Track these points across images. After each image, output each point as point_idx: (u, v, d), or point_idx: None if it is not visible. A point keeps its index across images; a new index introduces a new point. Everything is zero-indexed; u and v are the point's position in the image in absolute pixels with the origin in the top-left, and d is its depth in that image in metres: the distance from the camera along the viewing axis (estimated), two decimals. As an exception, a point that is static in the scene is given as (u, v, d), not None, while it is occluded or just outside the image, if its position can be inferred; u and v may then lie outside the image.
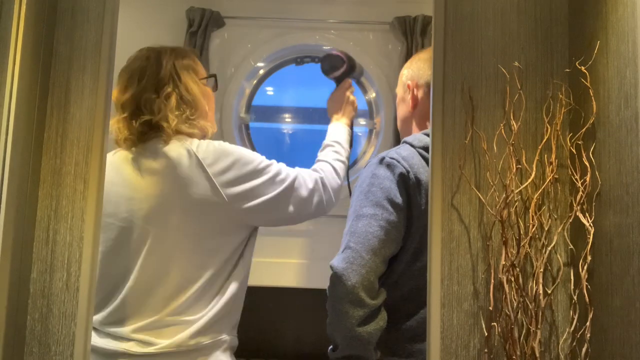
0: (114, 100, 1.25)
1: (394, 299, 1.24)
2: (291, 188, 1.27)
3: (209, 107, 1.33)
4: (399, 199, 1.21)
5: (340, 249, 1.21)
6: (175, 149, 1.21)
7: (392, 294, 1.23)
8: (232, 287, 1.24)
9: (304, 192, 1.29)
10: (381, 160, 1.26)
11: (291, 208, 1.28)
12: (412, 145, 1.30)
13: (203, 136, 1.29)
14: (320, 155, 1.46)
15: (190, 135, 1.26)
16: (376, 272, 1.18)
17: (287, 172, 1.29)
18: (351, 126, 1.56)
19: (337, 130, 1.52)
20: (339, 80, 1.58)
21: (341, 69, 1.56)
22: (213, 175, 1.19)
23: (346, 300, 1.16)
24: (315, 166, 1.41)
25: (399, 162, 1.23)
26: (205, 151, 1.21)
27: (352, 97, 1.58)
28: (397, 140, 2.32)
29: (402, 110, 1.44)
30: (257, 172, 1.24)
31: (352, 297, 1.15)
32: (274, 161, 1.29)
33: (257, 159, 1.25)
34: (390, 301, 1.23)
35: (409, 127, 1.42)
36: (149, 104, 1.22)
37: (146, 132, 1.23)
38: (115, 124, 1.24)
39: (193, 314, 1.20)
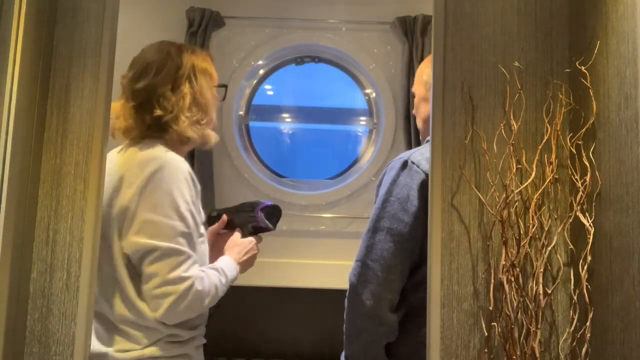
0: (123, 85, 1.22)
1: (417, 304, 1.19)
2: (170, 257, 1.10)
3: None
4: (417, 207, 1.19)
5: (357, 256, 1.20)
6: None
7: (414, 299, 1.21)
8: None
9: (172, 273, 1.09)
10: (403, 165, 1.23)
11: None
12: None
13: (203, 144, 1.27)
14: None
15: (187, 142, 1.23)
16: (393, 288, 1.18)
17: (187, 258, 1.11)
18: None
19: (231, 265, 1.26)
20: (260, 230, 1.38)
21: (271, 225, 1.38)
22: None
23: (367, 317, 1.16)
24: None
25: (419, 166, 1.20)
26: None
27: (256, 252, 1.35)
28: (397, 140, 2.33)
29: (426, 109, 1.38)
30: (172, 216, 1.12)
31: (372, 316, 1.16)
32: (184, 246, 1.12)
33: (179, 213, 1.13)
34: (412, 307, 1.21)
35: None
36: (163, 100, 1.19)
37: (151, 129, 1.19)
38: (119, 110, 1.20)
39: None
